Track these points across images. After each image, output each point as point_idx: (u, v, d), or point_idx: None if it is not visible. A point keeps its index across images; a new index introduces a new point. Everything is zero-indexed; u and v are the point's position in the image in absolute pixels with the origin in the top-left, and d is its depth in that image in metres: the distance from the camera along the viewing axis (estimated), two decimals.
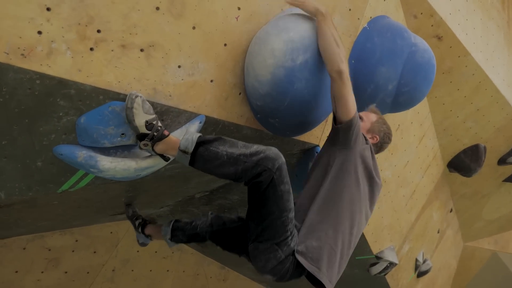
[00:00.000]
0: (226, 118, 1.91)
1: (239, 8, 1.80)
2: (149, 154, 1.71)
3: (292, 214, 1.68)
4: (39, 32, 1.34)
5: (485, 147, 4.57)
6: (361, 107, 2.55)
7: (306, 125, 2.06)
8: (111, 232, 3.20)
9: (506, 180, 5.48)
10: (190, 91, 1.74)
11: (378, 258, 3.80)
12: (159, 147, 1.65)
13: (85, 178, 1.80)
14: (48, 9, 1.33)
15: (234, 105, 1.92)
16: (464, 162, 4.52)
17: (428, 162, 4.15)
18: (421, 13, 2.85)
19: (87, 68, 1.46)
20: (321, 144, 2.46)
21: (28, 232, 2.74)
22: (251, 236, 1.74)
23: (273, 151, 1.63)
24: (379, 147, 2.19)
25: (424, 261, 5.14)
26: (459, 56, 3.34)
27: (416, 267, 4.84)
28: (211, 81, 1.80)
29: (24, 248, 2.83)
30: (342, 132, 1.87)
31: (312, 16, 1.82)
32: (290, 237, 1.68)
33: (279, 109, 1.83)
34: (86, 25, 1.42)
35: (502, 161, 5.01)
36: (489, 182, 5.37)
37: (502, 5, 4.21)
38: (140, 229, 2.35)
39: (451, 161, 4.55)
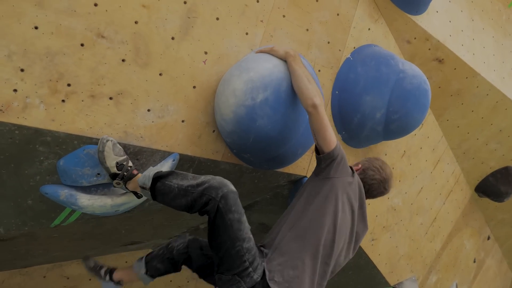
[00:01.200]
0: (201, 155, 2.02)
1: (206, 53, 1.94)
2: (124, 191, 1.86)
3: (248, 244, 1.70)
4: (15, 90, 1.55)
5: None
6: (350, 136, 2.58)
7: (281, 158, 2.11)
8: (126, 262, 3.37)
9: None
10: (161, 131, 1.88)
11: None
12: (130, 185, 1.79)
13: (74, 214, 1.98)
14: (22, 70, 1.55)
15: (208, 142, 2.03)
16: (493, 186, 4.25)
17: (449, 188, 3.96)
18: (415, 38, 2.83)
19: (60, 118, 1.64)
20: (309, 175, 2.49)
21: (46, 261, 2.98)
22: (215, 266, 1.79)
23: (216, 180, 1.67)
24: (367, 184, 2.09)
25: None
26: (466, 77, 3.24)
27: None
28: (182, 121, 1.93)
29: (44, 277, 3.06)
30: (323, 162, 1.89)
31: (283, 59, 1.91)
32: (250, 268, 1.70)
33: (247, 145, 1.91)
34: (57, 81, 1.61)
35: None
36: None
37: None
38: (107, 277, 2.20)
39: (479, 185, 4.29)
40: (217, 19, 1.96)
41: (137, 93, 1.78)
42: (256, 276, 1.72)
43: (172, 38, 1.85)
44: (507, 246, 5.46)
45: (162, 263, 2.11)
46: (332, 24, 2.37)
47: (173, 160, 1.93)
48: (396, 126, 2.52)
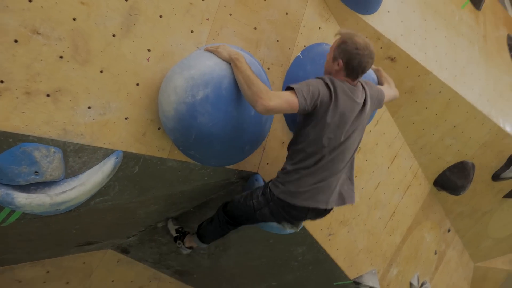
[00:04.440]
0: (146, 152, 2.02)
1: (149, 50, 1.94)
2: (66, 189, 1.84)
3: None
4: None
5: (473, 164, 4.44)
6: None
7: (227, 155, 2.14)
8: (84, 263, 3.33)
9: (506, 196, 5.26)
10: (103, 129, 1.87)
11: (357, 283, 3.72)
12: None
13: (14, 214, 1.95)
14: None
15: (154, 139, 2.03)
16: (450, 180, 4.40)
17: (408, 182, 4.08)
18: (366, 37, 2.89)
19: None
20: (261, 172, 2.53)
21: None
22: None
23: None
24: (351, 67, 2.05)
25: (422, 284, 4.96)
26: (419, 75, 3.34)
27: None
28: (126, 118, 1.92)
29: None
30: (302, 113, 2.02)
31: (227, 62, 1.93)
32: None
33: (189, 143, 1.92)
34: None
35: (496, 177, 4.83)
36: (487, 199, 5.17)
37: (476, 20, 4.19)
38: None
39: (437, 179, 4.44)
40: (161, 16, 1.96)
41: (77, 90, 1.77)
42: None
43: (113, 36, 1.84)
44: (467, 238, 5.66)
45: None
46: (281, 23, 2.40)
47: (116, 158, 1.93)
48: None
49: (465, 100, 3.75)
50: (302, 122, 2.09)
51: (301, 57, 2.53)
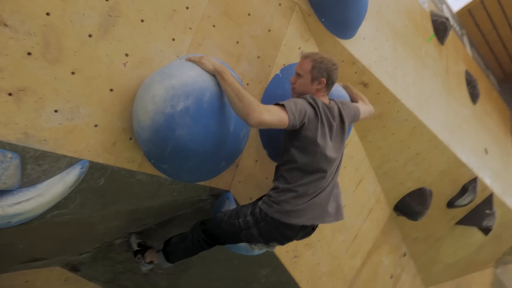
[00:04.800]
0: (114, 164, 1.87)
1: (127, 55, 1.82)
2: (20, 200, 1.65)
3: None
4: None
5: (430, 191, 4.60)
6: (275, 152, 2.56)
7: (202, 171, 2.04)
8: (26, 281, 3.02)
9: (458, 223, 5.50)
10: (70, 135, 1.71)
11: None
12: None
13: None
14: None
15: (124, 150, 1.89)
16: (409, 206, 4.52)
17: (370, 206, 4.13)
18: (343, 61, 2.93)
19: None
20: (233, 190, 2.43)
21: None
22: None
23: None
24: (331, 82, 2.16)
25: None
26: (388, 102, 3.42)
27: None
28: (95, 125, 1.77)
29: None
30: (291, 131, 2.01)
31: (211, 74, 1.86)
32: None
33: (164, 155, 1.80)
34: None
35: (450, 204, 5.04)
36: (441, 225, 5.37)
37: (439, 54, 4.40)
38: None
39: (397, 204, 4.55)
40: (142, 21, 1.85)
41: (44, 91, 1.61)
42: None
43: (90, 36, 1.70)
44: (420, 262, 5.82)
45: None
46: (263, 39, 2.37)
47: (81, 168, 1.76)
48: None
49: (428, 129, 3.89)
50: (290, 141, 2.06)
51: (280, 75, 2.50)
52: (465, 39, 5.25)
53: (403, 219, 4.76)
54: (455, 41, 4.83)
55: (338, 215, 2.24)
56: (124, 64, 1.82)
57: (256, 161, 2.52)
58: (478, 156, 4.97)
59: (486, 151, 5.26)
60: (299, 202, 2.02)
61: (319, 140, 2.02)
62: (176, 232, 2.75)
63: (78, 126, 1.72)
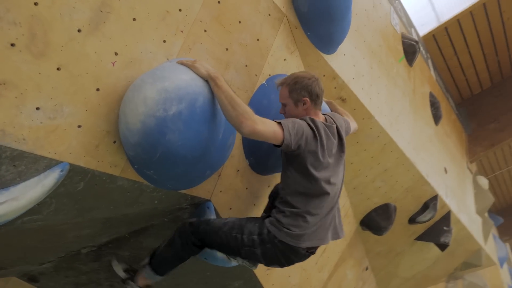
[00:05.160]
0: (96, 168, 1.76)
1: (116, 53, 1.73)
2: None
3: None
4: None
5: (395, 207, 4.74)
6: (257, 162, 2.54)
7: (188, 179, 1.97)
8: None
9: (417, 238, 5.70)
10: (51, 135, 1.59)
11: None
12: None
13: None
14: None
15: (107, 154, 1.78)
16: (375, 221, 4.63)
17: None
18: (324, 75, 2.98)
19: None
20: (213, 199, 2.37)
21: None
22: None
23: None
24: (315, 96, 2.10)
25: None
26: (363, 118, 3.51)
27: None
28: (79, 126, 1.66)
29: None
30: (286, 150, 1.97)
31: (204, 79, 1.81)
32: None
33: (152, 161, 1.72)
34: None
35: (412, 220, 5.22)
36: (402, 241, 5.54)
37: (408, 74, 4.60)
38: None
39: (363, 219, 4.64)
40: (134, 19, 1.78)
41: (26, 86, 1.49)
42: None
43: (79, 31, 1.61)
44: (380, 276, 5.96)
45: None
46: (251, 48, 2.35)
47: (61, 171, 1.64)
48: None
49: (397, 146, 4.03)
50: (290, 165, 2.02)
51: (266, 85, 2.49)
52: (430, 62, 5.53)
53: (367, 234, 4.86)
54: (422, 64, 5.07)
55: (341, 231, 2.21)
56: (113, 63, 1.73)
57: (238, 171, 2.48)
58: (439, 174, 5.21)
59: (445, 170, 5.53)
60: (309, 226, 1.97)
61: (319, 165, 1.98)
62: (150, 242, 2.64)
63: (61, 126, 1.61)
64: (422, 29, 5.22)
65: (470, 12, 5.43)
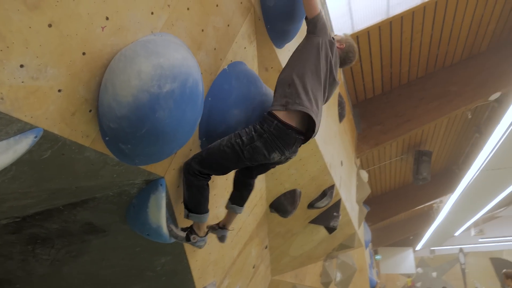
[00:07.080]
0: (68, 136, 1.64)
1: (107, 18, 1.63)
2: None
3: None
4: None
5: (300, 192, 5.22)
6: (209, 143, 2.60)
7: (158, 156, 1.95)
8: None
9: (311, 222, 6.36)
10: (31, 97, 1.44)
11: None
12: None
13: None
14: None
15: (81, 122, 1.67)
16: (283, 204, 5.05)
17: (255, 202, 4.47)
18: (272, 67, 3.14)
19: None
20: (167, 177, 2.37)
21: None
22: None
23: None
24: (345, 55, 2.74)
25: None
26: None
27: None
28: (59, 90, 1.53)
29: None
30: (311, 24, 2.48)
31: None
32: None
33: (135, 136, 1.68)
34: None
35: (311, 206, 5.81)
36: (299, 223, 6.12)
37: None
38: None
39: (273, 202, 5.02)
40: None
41: (14, 39, 1.32)
42: None
43: None
44: (275, 254, 6.49)
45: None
46: (222, 33, 2.38)
47: (35, 137, 1.50)
48: None
49: (314, 139, 4.43)
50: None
51: (227, 70, 2.55)
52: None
53: (273, 215, 5.26)
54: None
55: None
56: (103, 28, 1.62)
57: (191, 150, 2.50)
58: (337, 166, 5.87)
59: (341, 163, 6.25)
60: (294, 92, 2.31)
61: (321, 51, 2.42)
62: (85, 215, 2.52)
63: (42, 88, 1.47)
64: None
65: (379, 27, 6.15)
